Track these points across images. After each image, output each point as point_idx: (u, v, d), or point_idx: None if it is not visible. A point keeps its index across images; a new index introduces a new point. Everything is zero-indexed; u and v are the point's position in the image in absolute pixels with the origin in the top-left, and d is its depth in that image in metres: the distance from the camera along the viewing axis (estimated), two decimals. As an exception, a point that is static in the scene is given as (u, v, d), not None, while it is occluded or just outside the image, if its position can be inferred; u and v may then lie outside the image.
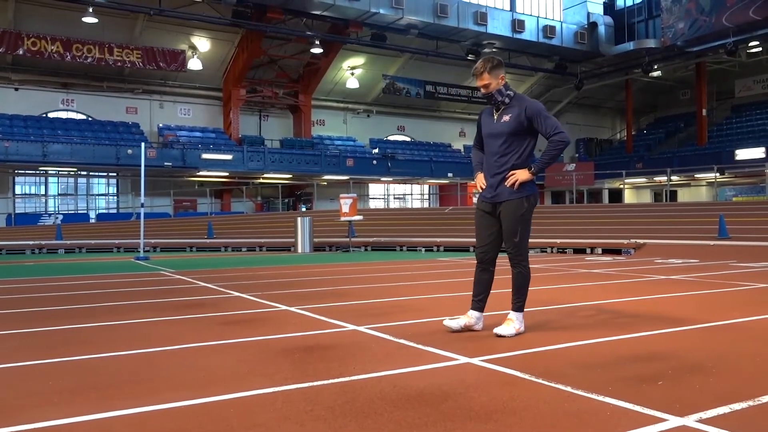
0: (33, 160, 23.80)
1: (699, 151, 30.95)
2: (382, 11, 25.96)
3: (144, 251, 14.03)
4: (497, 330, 3.86)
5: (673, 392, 2.60)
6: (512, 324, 3.88)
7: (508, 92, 3.94)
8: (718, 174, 24.72)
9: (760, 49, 30.39)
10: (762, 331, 4.02)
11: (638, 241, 13.06)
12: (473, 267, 4.09)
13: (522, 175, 3.83)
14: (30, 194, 27.59)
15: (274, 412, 2.40)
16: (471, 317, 4.01)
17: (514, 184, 3.84)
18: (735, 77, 34.90)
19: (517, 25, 29.53)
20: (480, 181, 4.08)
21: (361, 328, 4.23)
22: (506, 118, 3.90)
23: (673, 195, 32.34)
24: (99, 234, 20.93)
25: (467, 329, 3.99)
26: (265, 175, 28.63)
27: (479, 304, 4.02)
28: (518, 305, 3.93)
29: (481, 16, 28.37)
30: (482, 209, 4.04)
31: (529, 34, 30.05)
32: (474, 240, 4.11)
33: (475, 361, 3.22)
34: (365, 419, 2.30)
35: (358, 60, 31.31)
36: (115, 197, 28.94)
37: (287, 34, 26.71)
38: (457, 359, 3.27)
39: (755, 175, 26.85)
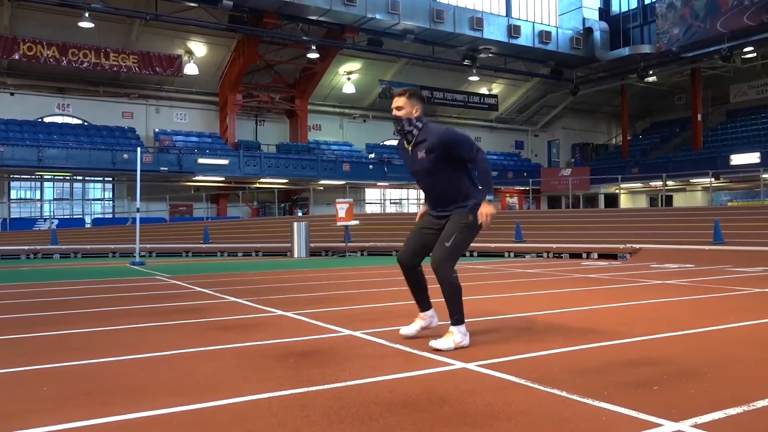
0: (28, 165, 23.77)
1: (694, 156, 31.07)
2: (378, 17, 26.01)
3: (140, 256, 14.01)
4: (433, 343, 3.65)
5: (669, 397, 2.60)
6: (452, 337, 3.66)
7: (417, 123, 3.76)
8: (713, 179, 24.79)
9: (755, 54, 30.58)
10: (757, 336, 4.03)
11: (634, 246, 13.08)
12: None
13: (487, 209, 3.68)
14: (25, 199, 27.52)
15: (269, 418, 2.39)
16: (424, 317, 4.02)
17: (485, 215, 3.71)
18: (730, 82, 35.09)
19: (513, 30, 29.62)
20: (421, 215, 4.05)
21: (357, 333, 4.22)
22: (421, 155, 3.74)
23: (669, 200, 32.41)
24: (94, 239, 20.87)
25: (425, 329, 4.00)
26: (262, 180, 28.62)
27: (424, 303, 4.01)
28: (456, 318, 3.69)
29: (477, 22, 28.44)
30: (428, 227, 3.91)
31: (524, 39, 30.12)
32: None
33: (471, 366, 3.22)
34: (361, 425, 2.30)
35: (355, 65, 31.36)
36: (111, 202, 28.87)
37: (283, 39, 26.75)
38: (452, 364, 3.27)
39: (750, 180, 26.95)
